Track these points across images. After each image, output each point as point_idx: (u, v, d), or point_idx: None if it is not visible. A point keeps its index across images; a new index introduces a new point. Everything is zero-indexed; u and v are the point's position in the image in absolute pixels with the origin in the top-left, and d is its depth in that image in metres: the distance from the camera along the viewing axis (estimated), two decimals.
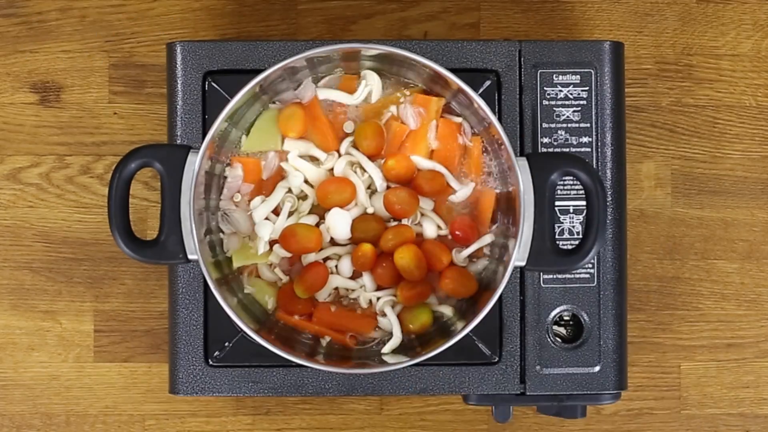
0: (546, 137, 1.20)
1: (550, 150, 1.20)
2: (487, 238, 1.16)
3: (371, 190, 1.16)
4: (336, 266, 1.16)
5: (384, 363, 1.14)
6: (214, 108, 1.17)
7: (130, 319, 1.31)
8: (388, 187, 1.16)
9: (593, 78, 1.20)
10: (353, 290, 1.16)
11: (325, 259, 1.16)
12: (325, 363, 1.13)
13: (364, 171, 1.16)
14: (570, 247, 1.15)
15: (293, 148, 1.15)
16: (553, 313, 1.20)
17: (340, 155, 1.16)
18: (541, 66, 1.20)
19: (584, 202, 1.16)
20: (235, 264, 1.16)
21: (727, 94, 1.33)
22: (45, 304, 1.30)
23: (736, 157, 1.33)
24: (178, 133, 1.19)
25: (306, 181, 1.16)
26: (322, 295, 1.16)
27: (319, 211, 1.16)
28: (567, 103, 1.20)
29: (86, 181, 1.31)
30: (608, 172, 1.20)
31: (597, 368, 1.20)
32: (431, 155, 1.16)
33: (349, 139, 1.16)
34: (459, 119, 1.17)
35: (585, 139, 1.20)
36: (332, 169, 1.16)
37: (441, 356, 1.10)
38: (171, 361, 1.20)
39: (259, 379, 1.19)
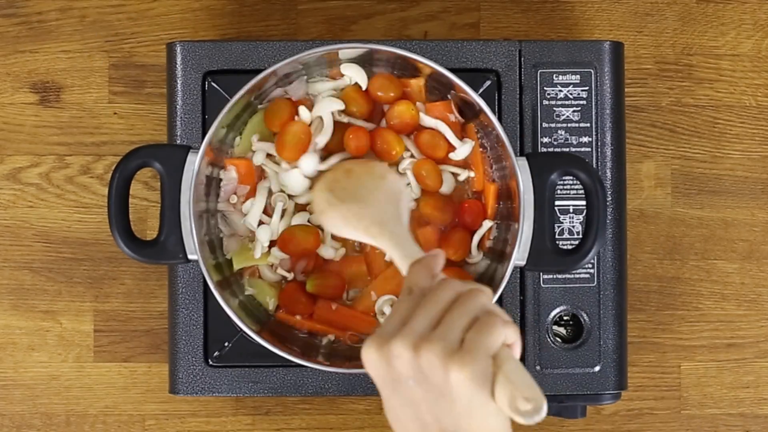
0: (546, 137, 1.20)
1: (550, 150, 1.20)
2: (487, 224, 1.16)
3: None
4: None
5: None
6: (213, 108, 1.17)
7: (130, 319, 1.31)
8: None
9: (593, 78, 1.20)
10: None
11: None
12: (325, 363, 1.13)
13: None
14: (570, 247, 1.15)
15: (260, 149, 1.15)
16: (552, 313, 1.20)
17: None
18: (541, 66, 1.20)
19: (584, 202, 1.16)
20: (236, 266, 1.16)
21: (727, 94, 1.33)
22: (45, 304, 1.30)
23: (736, 157, 1.32)
24: (178, 133, 1.19)
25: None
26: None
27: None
28: (567, 103, 1.20)
29: (86, 181, 1.31)
30: (608, 172, 1.20)
31: (597, 368, 1.20)
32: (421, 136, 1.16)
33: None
34: (447, 99, 1.16)
35: (585, 139, 1.20)
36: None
37: None
38: (171, 361, 1.20)
39: (259, 379, 1.19)
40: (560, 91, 1.20)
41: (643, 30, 1.33)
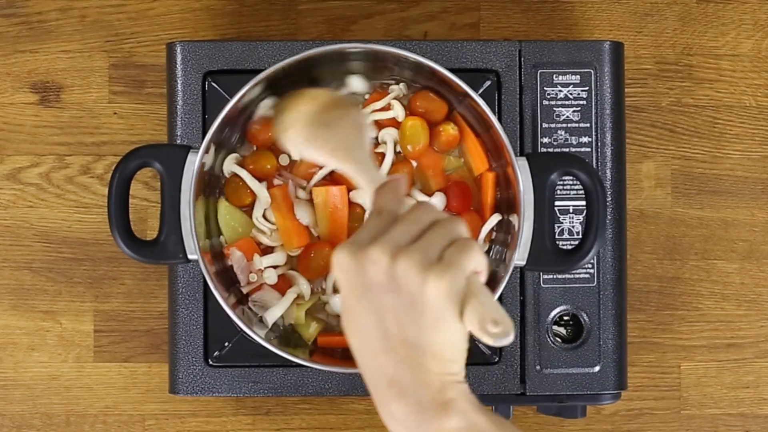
0: (546, 137, 1.20)
1: (550, 150, 1.20)
2: (495, 218, 1.16)
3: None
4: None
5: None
6: (214, 108, 1.17)
7: (130, 319, 1.31)
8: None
9: (593, 78, 1.20)
10: None
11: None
12: (325, 363, 1.13)
13: None
14: (570, 247, 1.15)
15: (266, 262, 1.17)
16: (552, 313, 1.20)
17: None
18: (541, 66, 1.20)
19: (584, 202, 1.16)
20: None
21: (727, 94, 1.33)
22: (45, 304, 1.30)
23: (736, 157, 1.32)
24: (178, 133, 1.19)
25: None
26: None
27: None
28: (567, 103, 1.20)
29: (86, 181, 1.31)
30: (608, 172, 1.20)
31: (597, 368, 1.20)
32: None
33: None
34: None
35: (585, 139, 1.20)
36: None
37: None
38: (171, 361, 1.20)
39: (259, 379, 1.19)
40: (560, 91, 1.20)
41: (643, 30, 1.33)
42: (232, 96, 1.11)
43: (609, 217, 1.20)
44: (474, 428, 0.89)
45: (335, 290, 1.17)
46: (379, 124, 1.18)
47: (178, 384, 1.19)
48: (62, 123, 1.31)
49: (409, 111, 1.17)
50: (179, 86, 1.19)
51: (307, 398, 1.30)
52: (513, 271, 1.11)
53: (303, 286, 1.16)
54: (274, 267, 1.16)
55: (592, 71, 1.20)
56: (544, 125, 1.20)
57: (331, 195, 1.15)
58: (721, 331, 1.32)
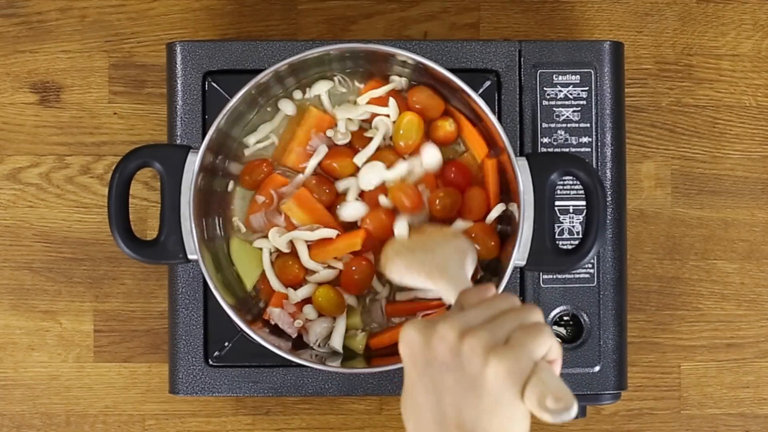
0: (546, 137, 1.20)
1: (550, 150, 1.20)
2: (499, 208, 1.16)
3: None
4: None
5: (384, 363, 1.14)
6: (214, 108, 1.17)
7: (130, 319, 1.31)
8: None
9: (593, 78, 1.20)
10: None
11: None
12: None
13: None
14: (570, 247, 1.15)
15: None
16: (552, 313, 1.20)
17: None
18: (541, 66, 1.20)
19: (584, 202, 1.16)
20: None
21: (727, 94, 1.33)
22: (45, 304, 1.30)
23: (736, 157, 1.32)
24: (178, 133, 1.19)
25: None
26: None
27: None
28: (567, 103, 1.20)
29: (86, 181, 1.31)
30: (608, 172, 1.20)
31: (597, 368, 1.20)
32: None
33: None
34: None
35: (585, 139, 1.20)
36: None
37: None
38: (171, 361, 1.20)
39: (259, 379, 1.19)
40: (560, 91, 1.20)
41: (643, 30, 1.33)
42: (232, 96, 1.11)
43: (609, 217, 1.20)
44: None
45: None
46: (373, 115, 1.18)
47: (178, 384, 1.19)
48: (62, 123, 1.31)
49: (406, 106, 1.17)
50: (179, 86, 1.19)
51: (307, 398, 1.30)
52: (513, 271, 1.11)
53: (349, 300, 1.17)
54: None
55: (592, 71, 1.20)
56: (544, 125, 1.20)
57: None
58: (721, 331, 1.32)
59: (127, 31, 1.31)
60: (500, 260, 1.15)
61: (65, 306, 1.30)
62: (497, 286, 1.10)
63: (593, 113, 1.20)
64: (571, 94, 1.20)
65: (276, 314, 1.16)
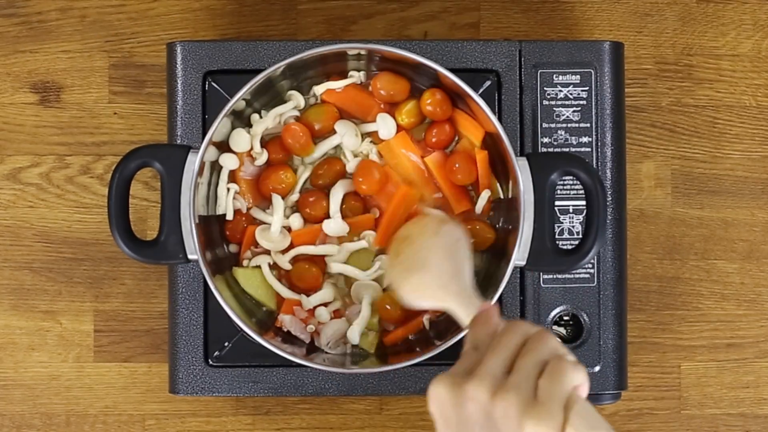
0: (546, 137, 1.20)
1: (550, 150, 1.20)
2: (486, 194, 1.16)
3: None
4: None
5: (384, 363, 1.14)
6: (214, 108, 1.17)
7: (130, 319, 1.31)
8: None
9: (593, 78, 1.20)
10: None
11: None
12: (325, 363, 1.13)
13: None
14: (570, 247, 1.15)
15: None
16: (552, 313, 1.20)
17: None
18: (541, 66, 1.20)
19: (584, 202, 1.16)
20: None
21: (727, 94, 1.33)
22: (45, 304, 1.30)
23: (736, 157, 1.32)
24: (178, 133, 1.19)
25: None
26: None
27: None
28: (567, 103, 1.20)
29: (86, 181, 1.31)
30: (608, 172, 1.20)
31: (597, 368, 1.20)
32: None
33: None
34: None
35: (585, 139, 1.20)
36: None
37: (441, 356, 1.11)
38: (171, 361, 1.20)
39: (259, 379, 1.19)
40: (560, 91, 1.20)
41: (643, 30, 1.33)
42: (232, 96, 1.11)
43: (609, 217, 1.20)
44: None
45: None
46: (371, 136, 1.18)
47: (178, 384, 1.19)
48: (62, 123, 1.31)
49: (374, 95, 1.17)
50: (179, 86, 1.19)
51: (307, 398, 1.30)
52: (513, 271, 1.11)
53: (378, 289, 1.17)
54: (325, 305, 1.17)
55: (592, 71, 1.20)
56: (544, 125, 1.20)
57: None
58: (721, 331, 1.32)
59: (127, 31, 1.31)
60: (500, 262, 1.15)
61: (65, 306, 1.30)
62: (497, 288, 1.10)
63: (593, 113, 1.20)
64: (571, 94, 1.20)
65: (288, 321, 1.16)
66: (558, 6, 1.32)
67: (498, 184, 1.17)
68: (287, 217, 1.17)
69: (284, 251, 1.17)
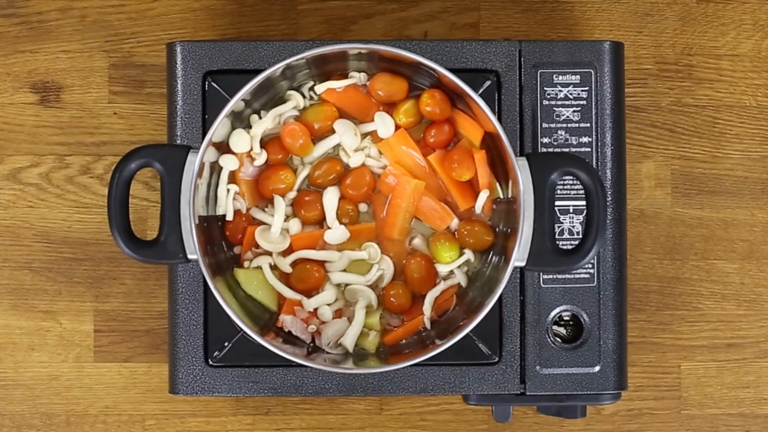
0: (546, 137, 1.20)
1: (550, 150, 1.20)
2: (485, 193, 1.16)
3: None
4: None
5: (384, 363, 1.14)
6: (214, 108, 1.17)
7: (130, 319, 1.31)
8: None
9: (593, 78, 1.20)
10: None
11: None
12: (325, 363, 1.13)
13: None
14: (570, 247, 1.15)
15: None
16: (552, 313, 1.20)
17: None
18: (541, 66, 1.20)
19: (584, 202, 1.16)
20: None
21: (727, 94, 1.33)
22: (45, 304, 1.30)
23: (736, 157, 1.33)
24: (178, 133, 1.19)
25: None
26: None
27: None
28: (567, 103, 1.20)
29: (86, 181, 1.31)
30: (608, 172, 1.20)
31: (597, 368, 1.20)
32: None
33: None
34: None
35: (585, 139, 1.20)
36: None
37: (441, 356, 1.11)
38: (171, 361, 1.20)
39: (259, 379, 1.19)
40: (560, 91, 1.20)
41: (643, 30, 1.33)
42: (232, 96, 1.11)
43: (609, 217, 1.20)
44: None
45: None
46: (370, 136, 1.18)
47: (178, 384, 1.19)
48: (62, 123, 1.31)
49: (372, 96, 1.17)
50: (179, 86, 1.19)
51: (307, 398, 1.30)
52: (513, 271, 1.11)
53: (370, 299, 1.17)
54: (328, 305, 1.17)
55: (592, 71, 1.20)
56: (544, 125, 1.20)
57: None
58: (721, 331, 1.32)
59: (127, 31, 1.31)
60: (499, 262, 1.15)
61: (65, 306, 1.30)
62: (495, 292, 1.10)
63: (593, 113, 1.20)
64: (571, 94, 1.20)
65: (288, 322, 1.16)
66: (558, 6, 1.32)
67: (498, 185, 1.16)
68: (286, 220, 1.17)
69: (285, 254, 1.16)
